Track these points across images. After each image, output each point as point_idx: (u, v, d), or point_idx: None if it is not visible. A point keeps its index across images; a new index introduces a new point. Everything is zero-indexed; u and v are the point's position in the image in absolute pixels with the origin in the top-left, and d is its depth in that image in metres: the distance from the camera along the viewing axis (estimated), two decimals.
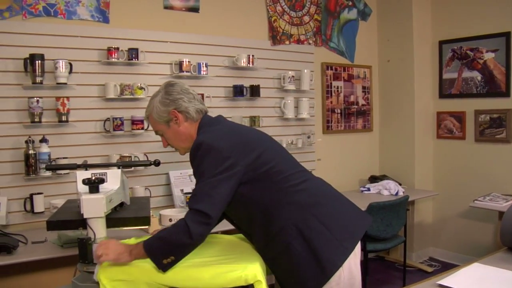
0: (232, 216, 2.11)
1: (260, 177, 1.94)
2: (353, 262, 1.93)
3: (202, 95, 3.72)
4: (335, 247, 1.89)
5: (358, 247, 1.97)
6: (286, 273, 1.95)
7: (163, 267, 1.82)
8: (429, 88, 4.98)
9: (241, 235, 2.24)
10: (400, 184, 4.57)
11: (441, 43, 4.86)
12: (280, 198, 1.94)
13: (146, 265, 1.85)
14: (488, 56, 4.48)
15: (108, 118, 3.47)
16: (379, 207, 3.72)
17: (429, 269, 4.70)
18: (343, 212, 2.04)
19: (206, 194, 1.85)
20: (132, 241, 2.08)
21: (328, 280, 1.86)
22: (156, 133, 2.19)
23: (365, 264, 3.90)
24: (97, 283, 1.83)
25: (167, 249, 1.82)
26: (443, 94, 4.90)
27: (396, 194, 4.34)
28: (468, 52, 4.62)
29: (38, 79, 3.16)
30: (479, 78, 4.56)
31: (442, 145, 4.95)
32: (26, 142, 3.13)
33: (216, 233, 2.50)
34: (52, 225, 2.01)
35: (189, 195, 3.46)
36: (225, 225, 3.08)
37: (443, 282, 1.82)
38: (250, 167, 1.92)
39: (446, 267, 4.35)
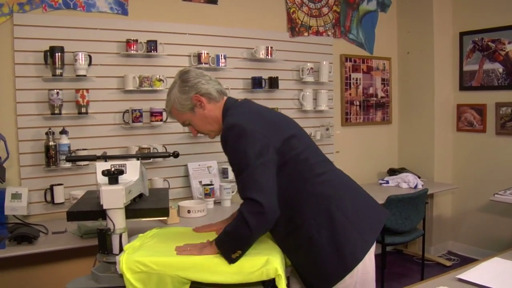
0: None
1: (286, 163, 1.91)
2: (368, 258, 1.92)
3: None
4: (356, 240, 1.90)
5: (373, 244, 1.97)
6: (307, 265, 1.95)
7: (233, 261, 1.84)
8: (449, 80, 4.92)
9: None
10: (419, 177, 4.54)
11: (462, 34, 4.79)
12: (304, 188, 1.92)
13: (169, 259, 1.86)
14: (510, 47, 4.41)
15: (127, 110, 3.49)
16: (398, 200, 3.70)
17: (448, 263, 4.66)
18: (363, 205, 2.04)
19: (254, 181, 1.83)
20: (139, 239, 2.09)
21: (349, 273, 1.86)
22: (183, 124, 2.17)
23: (383, 257, 3.88)
24: (120, 274, 1.84)
25: (232, 244, 1.84)
26: (463, 87, 4.84)
27: (415, 187, 4.30)
28: (489, 43, 4.55)
29: (58, 71, 3.19)
30: (500, 70, 4.50)
31: (462, 138, 4.89)
32: (47, 133, 3.17)
33: None
34: (72, 215, 2.03)
35: (207, 186, 3.52)
36: None
37: (463, 276, 1.81)
38: (279, 150, 1.90)
39: (465, 262, 4.31)
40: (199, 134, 2.22)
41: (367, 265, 1.93)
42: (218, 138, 3.79)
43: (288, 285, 1.94)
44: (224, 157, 3.92)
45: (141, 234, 2.14)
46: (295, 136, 1.99)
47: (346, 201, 1.97)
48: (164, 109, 3.56)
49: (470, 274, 1.83)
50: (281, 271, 1.81)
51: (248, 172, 1.83)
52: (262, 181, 1.82)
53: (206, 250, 1.90)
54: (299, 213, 1.91)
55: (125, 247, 1.93)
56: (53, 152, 3.17)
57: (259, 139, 1.87)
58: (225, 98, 2.12)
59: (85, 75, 3.28)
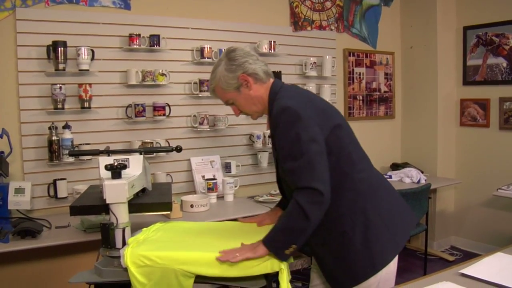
0: (290, 195, 1.95)
1: (330, 154, 1.85)
2: (395, 259, 1.93)
3: None
4: (388, 241, 1.90)
5: None
6: (335, 260, 1.92)
7: (286, 258, 1.82)
8: (452, 75, 4.91)
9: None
10: (422, 172, 4.53)
11: (466, 28, 4.77)
12: (344, 183, 1.88)
13: (174, 253, 1.86)
14: None
15: (130, 105, 3.49)
16: (401, 195, 3.67)
17: (451, 258, 4.66)
18: (397, 207, 2.02)
19: (312, 169, 1.78)
20: (142, 233, 2.09)
21: (377, 273, 1.85)
22: (226, 103, 2.10)
23: None
24: (124, 268, 1.85)
25: (287, 239, 1.80)
26: (467, 81, 4.82)
27: (418, 182, 4.30)
28: (493, 38, 4.53)
29: (60, 66, 3.19)
30: (504, 64, 4.48)
31: (466, 133, 4.88)
32: (50, 128, 3.17)
33: (236, 219, 2.49)
34: (75, 210, 2.03)
35: (210, 181, 3.52)
36: (245, 211, 3.10)
37: (465, 271, 1.81)
38: (327, 140, 1.85)
39: (468, 256, 4.31)
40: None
41: (391, 265, 1.91)
42: (222, 133, 3.80)
43: (290, 279, 1.94)
44: (226, 152, 3.95)
45: (145, 228, 2.14)
46: (341, 126, 1.94)
47: (382, 201, 1.95)
48: (167, 103, 3.57)
49: (473, 269, 1.83)
50: (283, 265, 1.81)
51: (305, 159, 1.78)
52: (320, 170, 1.78)
53: (261, 250, 1.82)
54: (334, 207, 1.85)
55: (129, 240, 1.94)
56: (56, 146, 3.18)
57: (312, 125, 1.82)
58: (271, 79, 2.05)
59: (88, 70, 3.28)
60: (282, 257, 1.82)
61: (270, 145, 3.95)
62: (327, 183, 1.78)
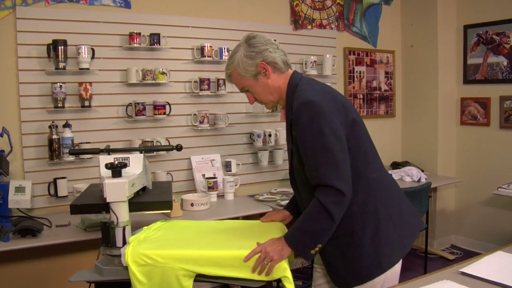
0: (302, 188, 1.98)
1: (348, 150, 1.84)
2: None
3: (224, 80, 3.73)
4: (396, 243, 1.90)
5: None
6: (342, 258, 1.91)
7: (311, 257, 1.82)
8: (453, 73, 4.90)
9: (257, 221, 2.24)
10: (422, 171, 4.53)
11: (466, 27, 4.77)
12: (357, 183, 1.85)
13: (174, 252, 1.86)
14: None
15: (130, 103, 3.49)
16: None
17: (451, 257, 4.66)
18: (406, 210, 2.02)
19: (336, 167, 1.76)
20: (143, 232, 2.09)
21: (382, 273, 1.86)
22: (242, 90, 2.05)
23: None
24: (125, 267, 1.85)
25: (312, 240, 1.80)
26: (467, 80, 4.82)
27: (419, 180, 4.30)
28: (494, 36, 4.53)
29: (61, 65, 3.18)
30: (505, 63, 4.47)
31: (466, 132, 4.87)
32: (50, 127, 3.17)
33: (237, 218, 2.50)
34: (76, 209, 2.03)
35: (210, 180, 3.52)
36: (247, 210, 3.10)
37: (466, 270, 1.80)
38: (347, 136, 1.84)
39: (468, 255, 4.31)
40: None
41: (396, 266, 1.91)
42: (222, 132, 3.80)
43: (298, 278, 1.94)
44: (226, 151, 3.95)
45: (145, 227, 2.14)
46: (358, 122, 1.92)
47: (392, 202, 1.95)
48: (167, 102, 3.57)
49: (473, 268, 1.83)
50: (287, 273, 1.81)
51: (329, 156, 1.77)
52: (343, 168, 1.77)
53: (285, 252, 1.82)
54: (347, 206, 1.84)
55: (130, 239, 1.94)
56: (56, 145, 3.18)
57: (335, 121, 1.80)
58: (290, 70, 2.03)
59: (88, 69, 3.28)
60: (307, 257, 1.83)
61: (271, 144, 3.98)
62: (349, 182, 1.78)
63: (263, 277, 1.81)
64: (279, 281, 1.84)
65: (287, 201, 2.56)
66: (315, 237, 1.80)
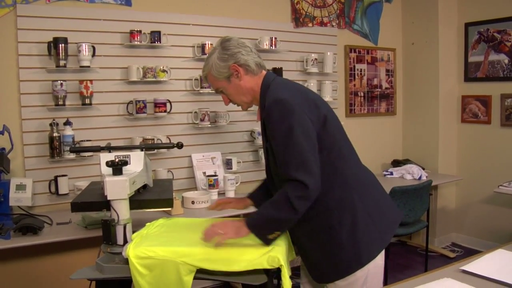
0: (279, 184, 1.98)
1: (321, 150, 1.87)
2: (381, 254, 1.95)
3: None
4: (374, 238, 1.92)
5: None
6: (321, 253, 1.95)
7: (269, 242, 1.86)
8: (454, 71, 4.90)
9: None
10: (423, 169, 4.53)
11: (467, 25, 4.76)
12: (333, 178, 1.90)
13: (176, 248, 1.86)
14: None
15: (131, 101, 3.49)
16: (402, 192, 3.69)
17: (452, 255, 4.66)
18: (384, 204, 2.04)
19: (302, 161, 1.79)
20: (146, 228, 2.09)
21: (362, 268, 1.88)
22: (216, 91, 2.10)
23: (387, 248, 3.86)
24: (126, 261, 1.85)
25: (271, 227, 1.84)
26: (468, 78, 4.81)
27: (419, 178, 4.30)
28: (495, 34, 4.52)
29: (61, 63, 3.18)
30: (506, 61, 4.47)
31: (467, 130, 4.87)
32: (51, 125, 3.17)
33: (238, 216, 2.50)
34: (77, 206, 2.03)
35: (211, 177, 3.52)
36: (250, 207, 3.09)
37: (466, 267, 1.81)
38: (319, 134, 1.87)
39: (469, 253, 4.32)
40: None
41: (378, 259, 1.94)
42: (223, 129, 3.80)
43: (292, 275, 1.94)
44: (227, 148, 3.95)
45: (148, 223, 2.14)
46: (331, 118, 1.95)
47: (370, 197, 1.97)
48: (168, 100, 3.57)
49: (474, 265, 1.83)
50: (283, 262, 1.82)
51: (297, 152, 1.80)
52: (310, 162, 1.80)
53: (243, 231, 1.85)
54: (323, 201, 1.88)
55: (133, 236, 1.94)
56: (57, 143, 3.18)
57: (306, 119, 1.83)
58: (263, 71, 2.06)
59: (88, 66, 3.28)
60: (265, 242, 1.86)
61: None
62: (316, 178, 1.80)
63: (263, 265, 1.82)
64: (279, 278, 1.85)
65: None
66: (274, 225, 1.84)
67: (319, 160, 1.85)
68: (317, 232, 1.92)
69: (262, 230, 1.85)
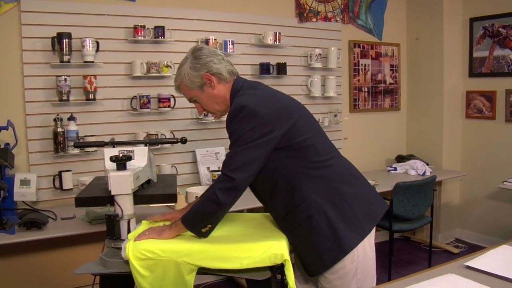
0: (255, 182, 2.04)
1: (292, 147, 1.91)
2: (368, 243, 1.95)
3: None
4: (354, 226, 1.92)
5: (373, 229, 2.00)
6: (304, 245, 1.97)
7: (203, 235, 1.92)
8: (458, 66, 4.88)
9: (266, 214, 2.24)
10: (427, 164, 4.52)
11: (472, 20, 4.74)
12: (308, 170, 1.92)
13: (176, 245, 1.86)
14: None
15: (135, 96, 3.49)
16: (406, 187, 3.69)
17: (455, 251, 4.66)
18: (365, 194, 2.05)
19: (239, 160, 1.84)
20: (143, 226, 2.09)
21: (344, 257, 1.89)
22: (190, 100, 2.14)
23: (391, 244, 3.88)
24: (127, 260, 1.85)
25: (202, 220, 1.89)
26: (473, 73, 4.79)
27: (423, 174, 4.29)
28: (500, 29, 4.50)
29: (65, 58, 3.19)
30: (511, 56, 4.44)
31: (471, 125, 4.86)
32: (55, 120, 3.18)
33: (242, 211, 2.50)
34: (81, 201, 2.03)
35: (216, 172, 3.52)
36: (251, 202, 3.09)
37: (470, 263, 1.80)
38: (286, 135, 1.89)
39: (473, 249, 4.31)
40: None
41: (368, 250, 1.95)
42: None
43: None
44: None
45: (144, 221, 2.14)
46: (303, 121, 1.98)
47: (347, 186, 1.98)
48: (172, 95, 3.56)
49: (478, 261, 1.82)
50: (287, 256, 1.82)
51: (238, 149, 1.86)
52: (247, 160, 1.84)
53: (165, 233, 1.93)
54: (299, 192, 1.91)
55: (129, 235, 1.94)
56: (61, 138, 3.18)
57: (265, 123, 1.86)
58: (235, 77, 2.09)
59: (92, 61, 3.28)
60: (199, 235, 1.92)
61: None
62: (245, 174, 1.84)
63: (266, 263, 1.82)
64: (283, 273, 1.85)
65: None
66: (204, 218, 1.90)
67: (291, 154, 1.91)
68: (299, 224, 1.94)
69: (193, 223, 1.91)
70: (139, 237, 1.90)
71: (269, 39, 3.98)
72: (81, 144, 2.89)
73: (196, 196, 3.25)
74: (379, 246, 2.22)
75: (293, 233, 1.98)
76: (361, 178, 2.10)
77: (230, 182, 1.82)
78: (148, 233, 1.93)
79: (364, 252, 1.93)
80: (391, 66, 5.01)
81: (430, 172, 4.33)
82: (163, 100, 3.55)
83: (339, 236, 1.88)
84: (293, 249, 2.04)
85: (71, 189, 3.26)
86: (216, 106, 2.08)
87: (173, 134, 3.64)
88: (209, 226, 1.90)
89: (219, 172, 1.93)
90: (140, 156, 2.13)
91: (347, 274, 1.91)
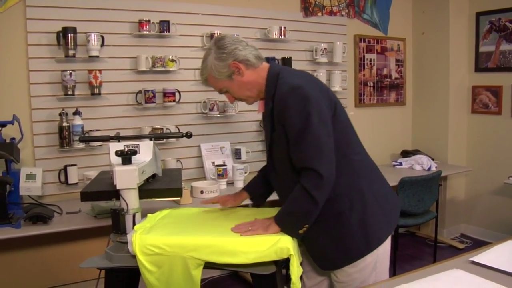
0: (283, 177, 2.01)
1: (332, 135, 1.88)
2: (388, 237, 1.97)
3: None
4: (382, 222, 1.94)
5: None
6: (330, 239, 1.94)
7: (299, 236, 1.91)
8: (464, 61, 4.85)
9: (272, 208, 2.24)
10: (432, 159, 4.51)
11: (478, 14, 4.71)
12: (342, 165, 1.89)
13: (182, 239, 1.87)
14: None
15: (140, 91, 3.49)
16: (411, 182, 3.68)
17: (461, 246, 4.65)
18: (388, 189, 2.07)
19: (319, 151, 1.81)
20: (148, 220, 2.09)
21: (371, 252, 1.90)
22: (220, 91, 2.09)
23: (396, 239, 3.88)
24: (131, 255, 1.86)
25: (298, 221, 1.87)
26: (479, 68, 4.77)
27: (429, 169, 4.28)
28: (507, 24, 4.47)
29: (70, 52, 3.19)
30: None
31: (477, 120, 4.83)
32: (60, 114, 3.18)
33: (247, 205, 2.50)
34: (86, 196, 2.04)
35: (220, 167, 3.53)
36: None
37: (476, 259, 1.80)
38: (331, 121, 1.88)
39: (478, 244, 4.30)
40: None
41: (386, 244, 1.96)
42: (232, 119, 3.80)
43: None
44: (236, 138, 3.94)
45: (150, 214, 2.14)
46: (339, 106, 1.97)
47: (375, 183, 2.00)
48: (177, 89, 3.57)
49: (484, 257, 1.82)
50: (292, 251, 1.82)
51: (314, 140, 1.81)
52: (327, 152, 1.81)
53: (272, 229, 1.90)
54: (332, 188, 1.87)
55: (136, 227, 1.94)
56: (66, 133, 3.19)
57: (322, 106, 1.84)
58: (264, 63, 2.03)
59: (97, 56, 3.28)
60: (296, 236, 1.89)
61: None
62: (332, 166, 1.82)
63: (272, 258, 1.82)
64: (287, 268, 1.85)
65: None
66: (300, 219, 1.87)
67: None
68: (326, 218, 1.92)
69: (289, 225, 1.89)
70: (246, 233, 1.90)
71: (274, 33, 3.97)
72: (87, 139, 2.89)
73: (201, 191, 3.27)
74: None
75: (319, 226, 1.94)
76: (380, 172, 2.11)
77: (320, 178, 1.79)
78: (253, 229, 1.91)
79: (384, 247, 1.94)
80: (397, 60, 5.00)
81: (436, 167, 4.32)
82: (168, 95, 3.55)
83: (368, 233, 1.90)
84: (312, 241, 2.01)
85: (76, 183, 3.27)
86: (248, 92, 2.03)
87: (178, 129, 3.64)
88: (306, 226, 1.88)
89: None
90: (145, 151, 2.14)
91: (366, 267, 1.92)
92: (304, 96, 1.82)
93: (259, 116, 3.98)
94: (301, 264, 1.94)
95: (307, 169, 1.81)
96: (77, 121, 3.22)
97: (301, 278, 2.20)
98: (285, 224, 1.89)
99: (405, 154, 4.79)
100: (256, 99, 2.07)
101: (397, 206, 2.10)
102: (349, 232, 1.90)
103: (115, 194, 1.97)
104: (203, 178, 3.74)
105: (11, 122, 2.93)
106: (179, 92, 3.59)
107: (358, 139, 2.06)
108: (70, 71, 3.19)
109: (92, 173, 3.07)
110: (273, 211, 2.23)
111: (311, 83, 1.91)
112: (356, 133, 2.07)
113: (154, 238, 1.87)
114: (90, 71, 3.28)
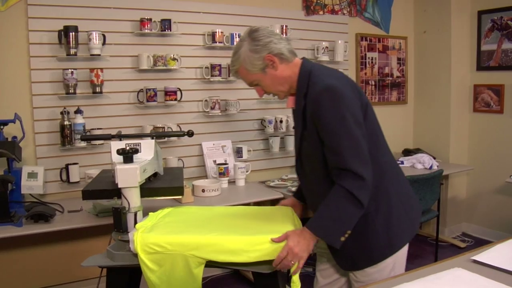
0: (311, 176, 1.98)
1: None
2: None
3: None
4: (406, 225, 1.94)
5: None
6: (354, 239, 1.88)
7: (340, 244, 1.80)
8: (466, 60, 4.85)
9: (274, 207, 2.24)
10: (434, 158, 4.50)
11: (480, 13, 4.70)
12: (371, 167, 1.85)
13: (184, 237, 1.86)
14: None
15: (142, 89, 3.49)
16: (413, 181, 3.67)
17: (462, 245, 4.65)
18: (410, 193, 2.06)
19: (358, 153, 1.77)
20: (150, 218, 2.09)
21: (394, 254, 1.90)
22: (250, 84, 2.02)
23: None
24: (133, 253, 1.86)
25: (342, 226, 1.79)
26: (481, 66, 4.76)
27: (430, 168, 4.27)
28: (509, 22, 4.46)
29: (72, 51, 3.19)
30: None
31: (479, 119, 4.83)
32: (61, 113, 3.18)
33: (248, 204, 2.50)
34: (88, 194, 2.04)
35: (222, 166, 3.52)
36: (257, 196, 3.10)
37: (477, 257, 1.79)
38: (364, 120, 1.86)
39: (480, 243, 4.30)
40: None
41: (405, 246, 1.97)
42: (234, 118, 3.79)
43: (308, 264, 1.94)
44: (237, 137, 3.94)
45: (151, 213, 2.14)
46: (369, 106, 1.94)
47: (401, 185, 1.99)
48: (178, 88, 3.56)
49: (485, 255, 1.81)
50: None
51: (351, 141, 1.77)
52: (364, 153, 1.78)
53: (311, 246, 1.82)
54: None
55: (137, 226, 1.94)
56: (68, 131, 3.19)
57: (356, 106, 1.81)
58: (296, 58, 1.99)
59: (99, 55, 3.28)
60: (337, 244, 1.81)
61: (282, 130, 3.97)
62: (369, 167, 1.78)
63: (274, 257, 1.81)
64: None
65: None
66: (345, 223, 1.79)
67: None
68: None
69: (332, 232, 1.80)
70: (295, 266, 1.80)
71: (276, 32, 3.96)
72: (88, 137, 2.90)
73: (203, 190, 3.27)
74: None
75: None
76: (403, 174, 2.09)
77: (361, 179, 1.74)
78: (298, 256, 1.79)
79: (404, 248, 1.95)
80: (398, 59, 4.99)
81: (437, 166, 4.31)
82: (169, 93, 3.55)
83: (392, 234, 1.89)
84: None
85: (78, 182, 3.27)
86: (280, 87, 1.98)
87: (180, 127, 3.64)
88: (349, 232, 1.79)
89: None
90: (147, 149, 2.13)
91: (386, 268, 1.91)
92: (338, 96, 1.78)
93: (261, 115, 4.00)
94: (305, 264, 1.92)
95: (346, 170, 1.76)
96: (79, 119, 3.22)
97: (314, 276, 2.21)
98: (327, 232, 1.80)
99: (407, 152, 4.78)
100: (287, 94, 2.01)
101: (419, 209, 2.10)
102: (373, 234, 1.88)
103: (117, 192, 1.96)
104: (205, 176, 3.74)
105: (13, 121, 2.93)
106: (180, 90, 3.59)
107: (385, 140, 2.04)
108: (72, 70, 3.19)
109: (94, 172, 3.07)
110: (274, 210, 2.24)
111: (344, 83, 1.86)
112: (383, 135, 2.04)
113: (156, 236, 1.87)
114: (91, 70, 3.28)
